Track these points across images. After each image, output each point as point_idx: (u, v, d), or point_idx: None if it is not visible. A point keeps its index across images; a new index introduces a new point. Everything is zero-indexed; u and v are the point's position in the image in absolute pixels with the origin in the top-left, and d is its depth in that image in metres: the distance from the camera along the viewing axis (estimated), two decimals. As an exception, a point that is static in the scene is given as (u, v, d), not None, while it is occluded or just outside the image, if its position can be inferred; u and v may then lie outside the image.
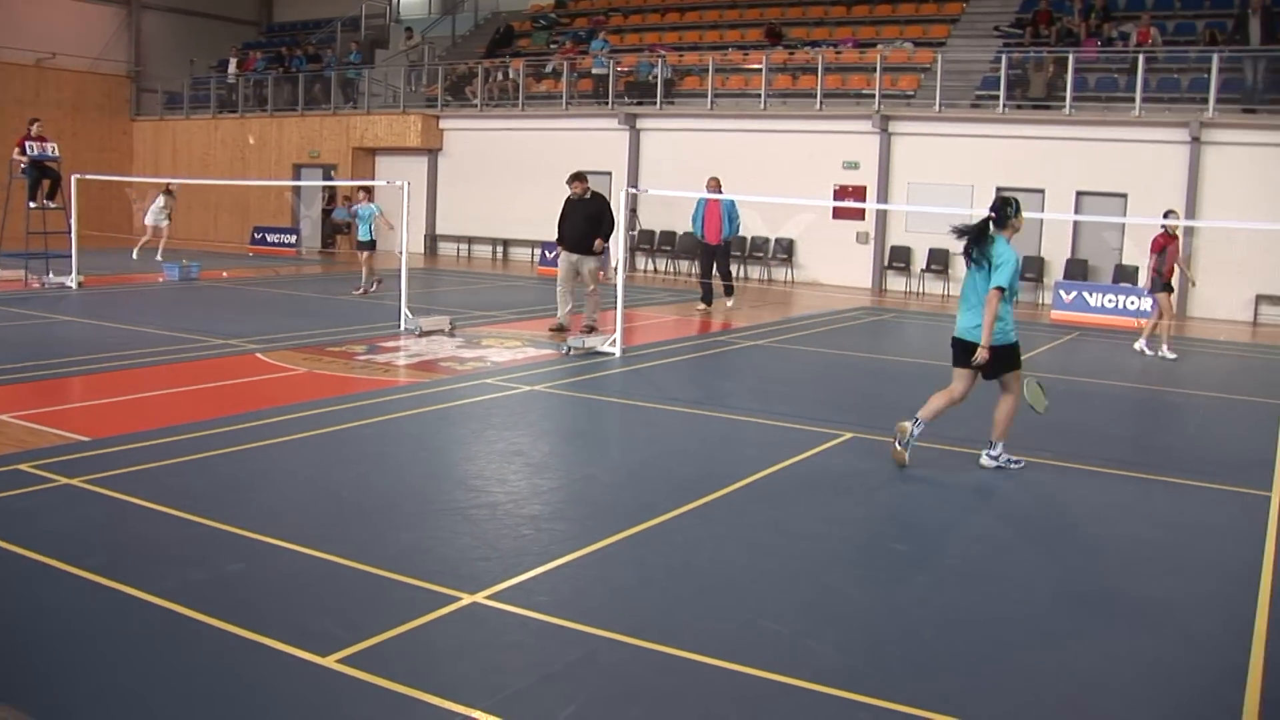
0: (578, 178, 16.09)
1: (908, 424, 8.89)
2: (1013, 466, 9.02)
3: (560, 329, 15.75)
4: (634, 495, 7.90)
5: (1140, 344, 16.53)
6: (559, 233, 16.30)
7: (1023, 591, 6.31)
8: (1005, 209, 8.83)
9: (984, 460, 9.04)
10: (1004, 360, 8.89)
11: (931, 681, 5.05)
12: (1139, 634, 5.76)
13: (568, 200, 16.16)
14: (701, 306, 20.25)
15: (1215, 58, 23.25)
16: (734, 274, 22.05)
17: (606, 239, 16.06)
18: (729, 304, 20.67)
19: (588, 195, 15.98)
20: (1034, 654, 5.43)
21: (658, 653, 5.17)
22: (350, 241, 31.25)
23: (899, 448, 8.87)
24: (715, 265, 20.66)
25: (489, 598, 5.70)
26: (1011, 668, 5.27)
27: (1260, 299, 22.91)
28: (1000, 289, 8.60)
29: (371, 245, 20.68)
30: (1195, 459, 9.92)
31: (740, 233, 23.26)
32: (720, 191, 19.93)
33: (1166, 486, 8.89)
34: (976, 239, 8.85)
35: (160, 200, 26.42)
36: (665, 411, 10.88)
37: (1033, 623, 5.84)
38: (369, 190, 21.48)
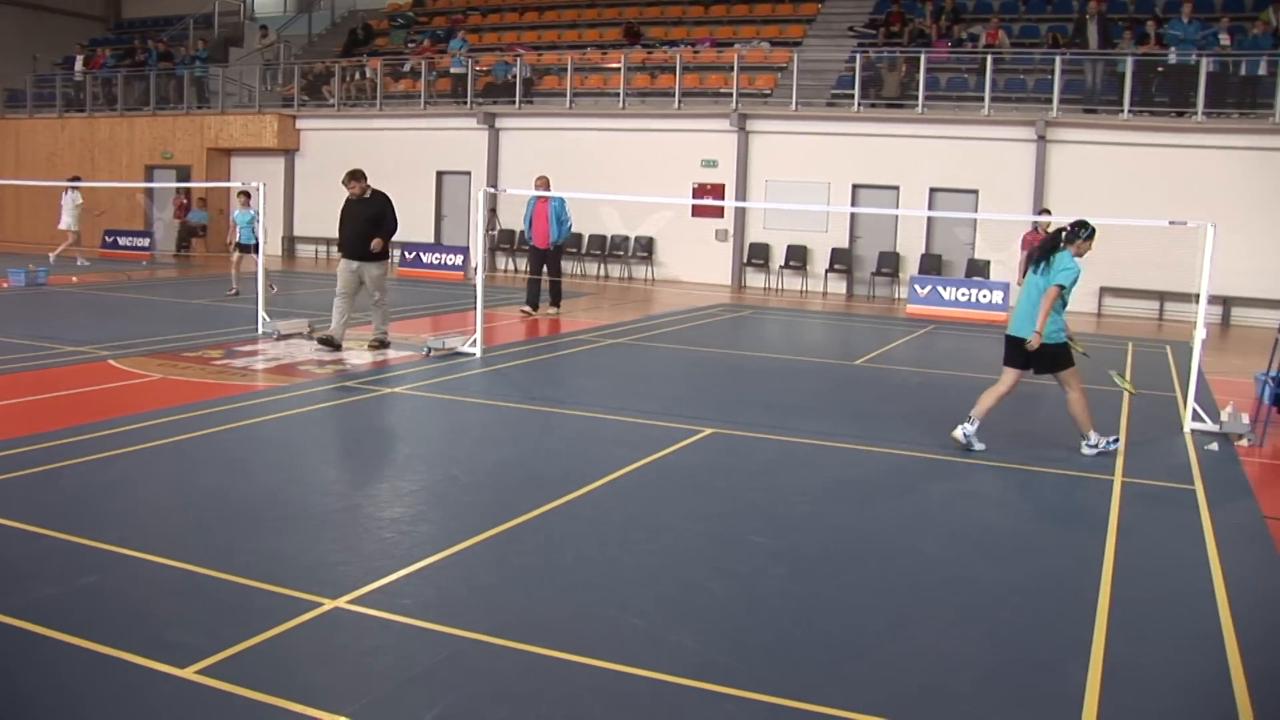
0: (354, 176, 14.24)
1: (959, 432, 9.78)
2: (1111, 447, 9.90)
3: (330, 342, 14.02)
4: (496, 495, 7.91)
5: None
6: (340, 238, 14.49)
7: (880, 579, 6.49)
8: (1079, 230, 9.66)
9: (1084, 450, 9.82)
10: (1055, 359, 9.67)
11: (792, 670, 5.15)
12: (992, 617, 5.97)
13: (346, 201, 14.32)
14: (525, 309, 18.81)
15: (1058, 60, 24.11)
16: (600, 274, 21.34)
17: (387, 239, 14.37)
18: (553, 311, 19.14)
19: (368, 195, 14.22)
20: (891, 640, 5.58)
21: (522, 651, 5.19)
22: (206, 245, 30.88)
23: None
24: (546, 269, 19.15)
25: (351, 602, 5.67)
26: (870, 654, 5.41)
27: (1104, 290, 23.79)
28: (1060, 286, 9.41)
29: (254, 249, 20.04)
30: (1045, 446, 10.24)
31: (571, 233, 21.60)
32: (549, 189, 18.49)
33: (1019, 474, 9.20)
34: (1047, 247, 9.67)
35: (74, 198, 25.86)
36: (526, 411, 10.90)
37: (890, 609, 6.00)
38: (246, 195, 21.05)
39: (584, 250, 28.19)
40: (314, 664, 5.02)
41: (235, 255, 20.48)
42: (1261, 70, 23.38)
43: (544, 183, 18.79)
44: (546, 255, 19.03)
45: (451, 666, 5.03)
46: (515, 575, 6.25)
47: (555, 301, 19.27)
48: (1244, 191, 22.24)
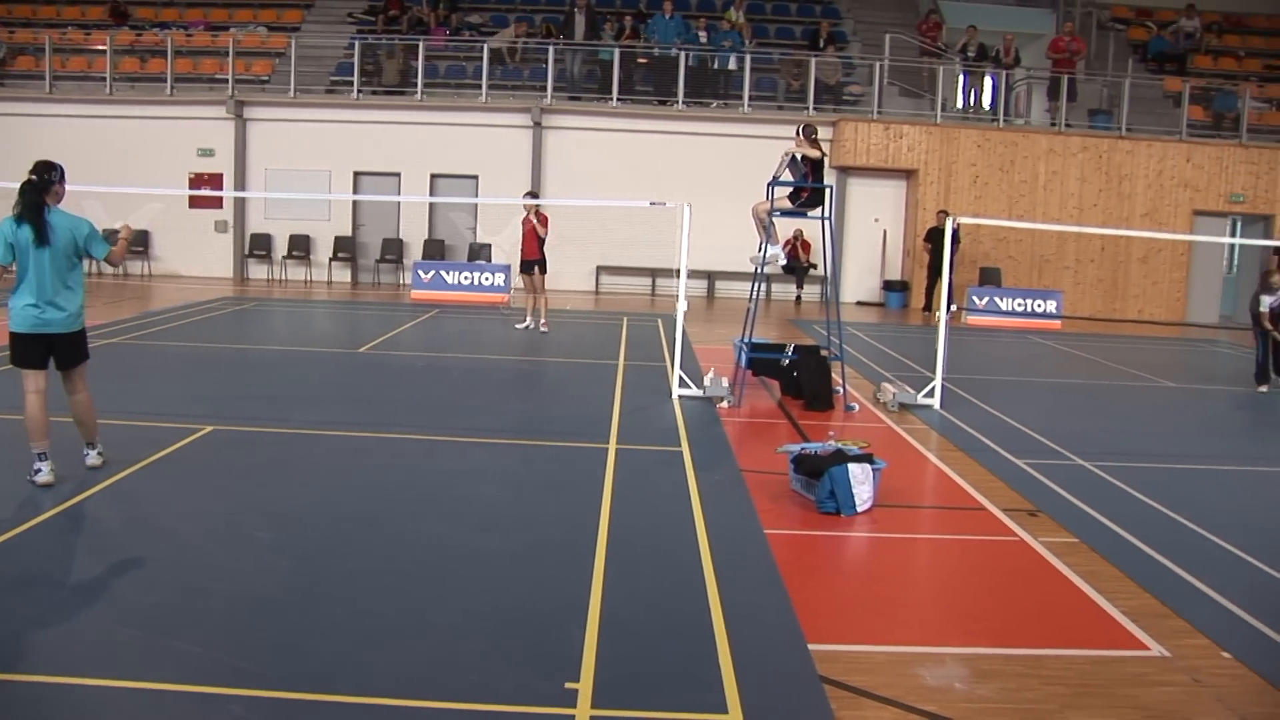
0: None
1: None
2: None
3: None
4: (-25, 513, 7.38)
5: (528, 321, 17.47)
6: None
7: (386, 563, 6.63)
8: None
9: (92, 459, 8.46)
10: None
11: (300, 663, 5.18)
12: (496, 588, 6.26)
13: None
14: None
15: (551, 50, 25.21)
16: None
17: None
18: None
19: None
20: (399, 621, 5.71)
21: (2, 682, 4.88)
22: None
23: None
24: None
25: None
26: (378, 638, 5.50)
27: (600, 269, 25.14)
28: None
29: None
30: (545, 420, 10.75)
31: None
32: None
33: (519, 449, 9.62)
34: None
35: None
36: (8, 421, 10.19)
37: (397, 592, 6.14)
38: None
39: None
40: None
41: None
42: (732, 65, 25.56)
43: None
44: None
45: (-84, 708, 4.68)
46: (-3, 598, 5.89)
47: None
48: (722, 174, 24.12)
